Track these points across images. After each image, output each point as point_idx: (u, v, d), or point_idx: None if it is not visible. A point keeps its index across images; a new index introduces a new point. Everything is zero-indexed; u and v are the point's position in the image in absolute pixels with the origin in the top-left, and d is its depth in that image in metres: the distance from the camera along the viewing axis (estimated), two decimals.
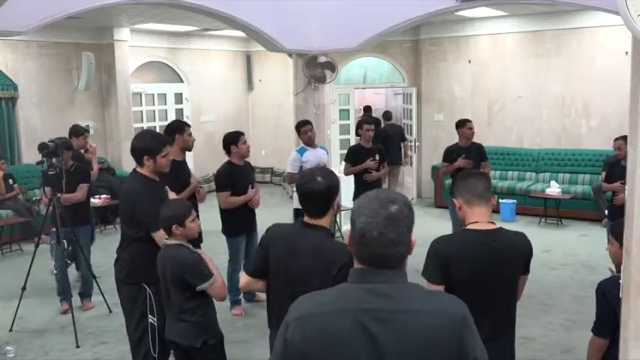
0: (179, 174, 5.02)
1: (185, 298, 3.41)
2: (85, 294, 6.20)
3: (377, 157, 7.27)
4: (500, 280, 2.69)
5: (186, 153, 5.62)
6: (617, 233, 3.08)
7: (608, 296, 2.92)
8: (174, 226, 3.44)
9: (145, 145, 3.87)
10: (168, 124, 5.63)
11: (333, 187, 2.76)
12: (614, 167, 6.76)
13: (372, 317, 1.62)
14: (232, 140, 5.81)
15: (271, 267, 2.84)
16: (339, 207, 8.20)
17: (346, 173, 7.24)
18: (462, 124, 7.25)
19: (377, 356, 1.61)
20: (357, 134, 7.69)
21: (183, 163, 5.35)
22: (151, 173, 3.89)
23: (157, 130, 11.86)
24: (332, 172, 2.89)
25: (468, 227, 2.70)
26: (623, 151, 6.45)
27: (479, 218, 2.69)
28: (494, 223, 2.74)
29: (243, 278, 2.97)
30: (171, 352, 3.79)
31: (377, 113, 14.60)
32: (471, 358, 1.66)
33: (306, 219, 2.80)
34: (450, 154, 7.21)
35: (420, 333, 1.62)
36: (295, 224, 2.86)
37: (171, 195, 4.06)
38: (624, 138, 6.52)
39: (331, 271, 2.68)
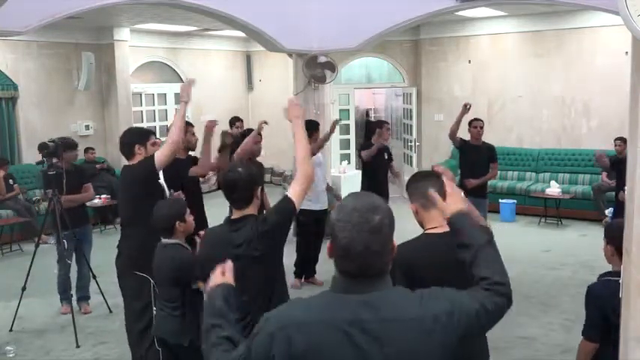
0: (179, 171, 5.01)
1: (178, 295, 3.44)
2: (84, 297, 6.19)
3: (386, 156, 7.37)
4: (465, 283, 2.60)
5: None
6: (610, 236, 3.08)
7: (597, 301, 2.92)
8: (177, 223, 3.51)
9: (134, 136, 4.14)
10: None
11: (253, 175, 2.90)
12: (614, 165, 6.80)
13: (358, 329, 1.59)
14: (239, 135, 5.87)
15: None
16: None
17: (366, 158, 7.24)
18: (469, 124, 7.33)
19: None
20: (368, 136, 7.60)
21: (187, 161, 5.33)
22: None
23: (158, 130, 11.96)
24: (252, 165, 3.08)
25: (428, 232, 2.61)
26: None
27: (437, 222, 2.56)
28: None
29: (202, 285, 3.07)
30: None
31: (378, 113, 14.70)
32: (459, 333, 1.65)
33: (233, 215, 2.90)
34: (458, 141, 7.31)
35: (406, 342, 1.61)
36: (224, 225, 2.94)
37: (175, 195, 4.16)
38: (622, 139, 6.60)
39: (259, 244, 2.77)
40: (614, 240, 3.03)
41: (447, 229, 2.59)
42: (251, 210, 2.88)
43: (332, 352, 1.59)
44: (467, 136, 7.36)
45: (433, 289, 1.76)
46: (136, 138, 4.10)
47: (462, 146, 7.29)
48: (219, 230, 2.95)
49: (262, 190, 5.79)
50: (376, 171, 7.26)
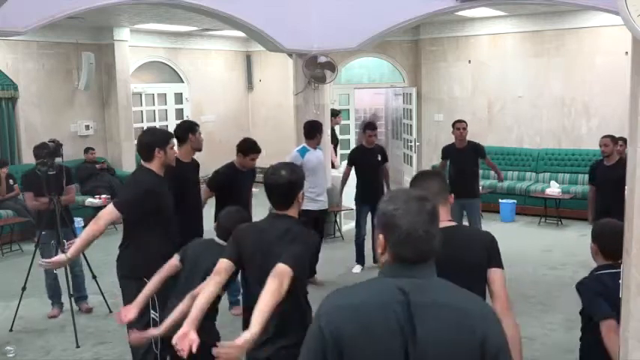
0: (183, 174, 4.99)
1: None
2: (82, 297, 6.15)
3: (379, 157, 7.36)
4: (459, 273, 2.34)
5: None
6: (594, 234, 3.17)
7: (592, 290, 2.97)
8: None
9: (155, 138, 4.04)
10: (180, 124, 5.55)
11: (295, 181, 2.85)
12: (597, 168, 6.77)
13: (407, 310, 1.66)
14: (243, 149, 5.79)
15: (245, 260, 2.88)
16: (338, 206, 8.21)
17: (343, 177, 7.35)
18: (452, 125, 7.37)
19: (411, 349, 1.64)
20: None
21: (191, 164, 5.30)
22: (159, 167, 4.01)
23: None
24: (298, 167, 2.96)
25: None
26: (609, 148, 6.50)
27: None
28: (452, 221, 2.69)
29: (220, 263, 2.91)
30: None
31: (379, 113, 14.70)
32: (493, 355, 1.69)
33: (274, 211, 2.90)
34: (444, 152, 7.46)
35: (451, 327, 1.67)
36: (266, 217, 2.95)
37: None
38: (610, 137, 6.59)
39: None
40: (597, 239, 3.12)
41: (446, 224, 2.61)
42: (291, 212, 2.88)
43: (382, 331, 1.65)
44: (452, 139, 7.39)
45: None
46: (157, 140, 4.01)
47: (447, 153, 7.38)
48: (259, 221, 2.97)
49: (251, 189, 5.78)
50: (369, 172, 7.24)
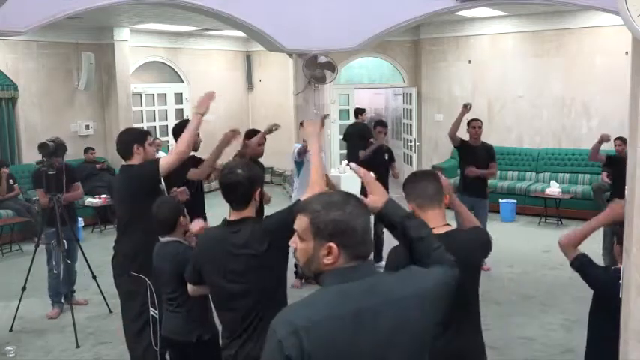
0: (180, 171, 5.01)
1: (182, 291, 3.42)
2: (71, 292, 6.14)
3: (386, 157, 7.41)
4: (466, 276, 2.42)
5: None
6: (620, 235, 3.11)
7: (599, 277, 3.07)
8: (180, 218, 3.57)
9: (133, 136, 4.15)
10: (180, 122, 5.60)
11: (252, 178, 2.79)
12: (617, 159, 6.73)
13: (367, 315, 1.66)
14: (250, 137, 5.92)
15: (210, 276, 2.83)
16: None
17: (362, 158, 7.37)
18: (467, 124, 7.33)
19: (379, 353, 1.66)
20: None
21: (188, 160, 5.32)
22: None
23: (158, 130, 11.97)
24: (253, 166, 2.93)
25: None
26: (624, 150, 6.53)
27: (434, 223, 2.55)
28: (450, 226, 2.65)
29: (190, 287, 3.05)
30: None
31: (384, 113, 14.75)
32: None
33: (231, 217, 2.80)
34: (457, 141, 7.33)
35: (405, 321, 1.71)
36: (221, 226, 2.85)
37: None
38: (622, 139, 6.62)
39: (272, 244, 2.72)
40: (622, 239, 3.06)
41: (444, 229, 2.59)
42: (249, 212, 2.79)
43: (345, 343, 1.64)
44: (466, 137, 7.38)
45: (412, 268, 1.94)
46: (134, 138, 4.09)
47: (460, 146, 7.31)
48: (217, 231, 2.88)
49: (262, 190, 5.82)
50: (375, 170, 7.27)
